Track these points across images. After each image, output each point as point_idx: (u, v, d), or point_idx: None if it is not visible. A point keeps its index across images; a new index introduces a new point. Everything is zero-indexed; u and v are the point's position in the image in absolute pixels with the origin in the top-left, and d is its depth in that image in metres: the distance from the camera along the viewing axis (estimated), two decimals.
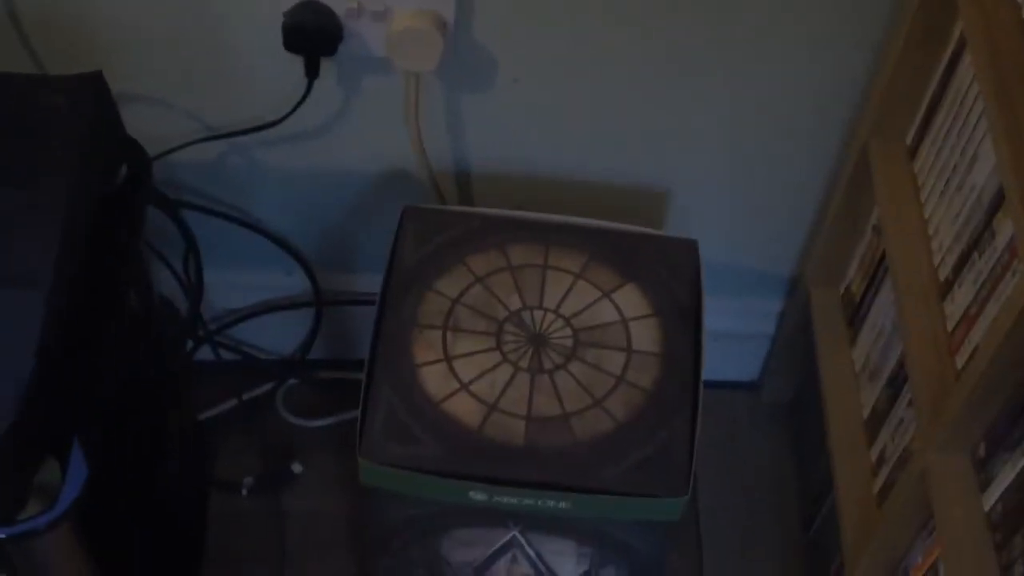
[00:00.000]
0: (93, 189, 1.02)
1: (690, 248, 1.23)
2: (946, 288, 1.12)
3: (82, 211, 0.98)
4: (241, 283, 1.49)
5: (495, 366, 1.15)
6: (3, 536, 0.94)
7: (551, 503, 1.10)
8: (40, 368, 0.88)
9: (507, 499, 1.10)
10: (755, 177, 1.36)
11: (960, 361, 1.07)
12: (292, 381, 1.59)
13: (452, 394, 1.13)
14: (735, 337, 1.55)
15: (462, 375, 1.14)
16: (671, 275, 1.21)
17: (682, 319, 1.19)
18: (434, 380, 1.13)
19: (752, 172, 1.35)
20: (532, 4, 1.17)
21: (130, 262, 1.11)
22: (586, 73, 1.24)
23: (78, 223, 0.97)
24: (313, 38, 1.17)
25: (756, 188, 1.37)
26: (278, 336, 1.56)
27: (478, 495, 1.10)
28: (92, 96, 1.04)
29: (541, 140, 1.31)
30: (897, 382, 1.23)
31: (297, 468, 1.54)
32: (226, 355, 1.55)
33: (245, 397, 1.55)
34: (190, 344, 1.48)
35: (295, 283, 1.49)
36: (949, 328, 1.10)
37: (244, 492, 1.51)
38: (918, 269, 1.16)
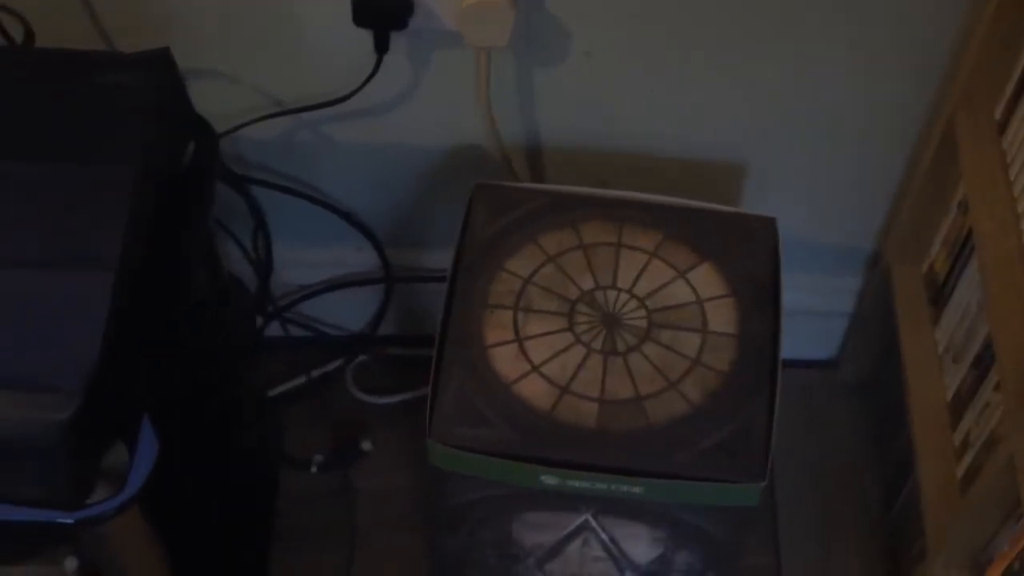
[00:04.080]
0: (161, 167, 1.01)
1: (768, 225, 1.20)
2: None
3: (150, 190, 0.97)
4: (310, 259, 1.48)
5: (567, 347, 1.13)
6: (72, 521, 0.94)
7: (624, 488, 1.08)
8: (107, 351, 0.87)
9: (579, 483, 1.08)
10: (836, 150, 1.32)
11: None
12: (361, 358, 1.58)
13: (523, 376, 1.11)
14: (813, 315, 1.51)
15: (533, 356, 1.12)
16: (748, 253, 1.18)
17: (759, 299, 1.15)
18: (505, 361, 1.11)
19: (833, 145, 1.32)
20: None
21: (199, 240, 1.09)
22: (660, 45, 1.21)
23: (146, 202, 0.96)
24: (383, 12, 1.16)
25: (837, 162, 1.34)
26: (347, 312, 1.55)
27: (549, 479, 1.08)
28: (160, 73, 1.02)
29: (614, 115, 1.29)
30: (983, 364, 1.20)
31: (367, 446, 1.53)
32: (295, 331, 1.54)
33: (314, 374, 1.55)
34: (259, 321, 1.48)
35: (365, 259, 1.47)
36: None
37: (314, 469, 1.51)
38: (1006, 248, 1.12)
